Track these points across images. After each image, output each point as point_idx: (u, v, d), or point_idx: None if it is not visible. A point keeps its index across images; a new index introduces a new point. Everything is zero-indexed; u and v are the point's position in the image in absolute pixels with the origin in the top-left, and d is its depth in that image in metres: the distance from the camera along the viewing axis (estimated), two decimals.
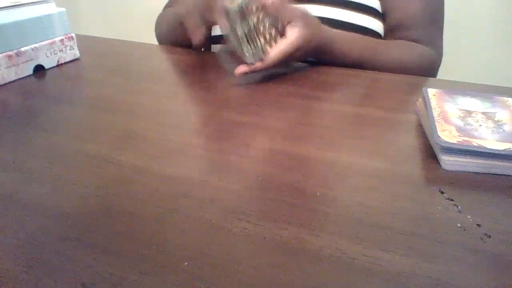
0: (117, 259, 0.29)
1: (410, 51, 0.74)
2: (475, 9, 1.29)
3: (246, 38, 0.57)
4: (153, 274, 0.28)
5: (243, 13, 0.55)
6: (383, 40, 0.75)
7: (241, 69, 0.59)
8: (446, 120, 0.44)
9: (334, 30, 0.66)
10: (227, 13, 0.55)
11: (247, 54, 0.58)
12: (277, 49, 0.59)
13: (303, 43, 0.60)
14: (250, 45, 0.57)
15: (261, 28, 0.57)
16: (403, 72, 0.67)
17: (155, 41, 0.84)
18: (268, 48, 0.58)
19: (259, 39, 0.57)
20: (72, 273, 0.28)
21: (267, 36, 0.58)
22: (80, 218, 0.33)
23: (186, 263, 0.29)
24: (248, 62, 0.59)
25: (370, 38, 0.74)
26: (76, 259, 0.29)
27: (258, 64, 0.59)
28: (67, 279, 0.27)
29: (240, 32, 0.56)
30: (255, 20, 0.56)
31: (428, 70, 0.75)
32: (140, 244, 0.30)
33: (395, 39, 0.76)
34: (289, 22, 0.59)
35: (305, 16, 0.60)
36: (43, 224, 0.32)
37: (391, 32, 0.77)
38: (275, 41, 0.59)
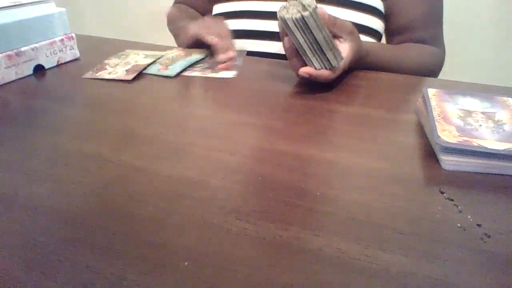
0: (117, 259, 0.29)
1: (424, 53, 0.77)
2: (475, 9, 1.28)
3: (313, 47, 0.54)
4: (153, 274, 0.28)
5: (305, 24, 0.52)
6: (401, 47, 0.77)
7: (308, 70, 0.56)
8: (446, 120, 0.44)
9: (366, 43, 0.67)
10: (285, 23, 0.53)
11: (315, 64, 0.56)
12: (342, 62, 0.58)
13: (352, 58, 0.61)
14: (318, 55, 0.55)
15: (329, 42, 0.55)
16: (420, 74, 0.69)
17: (155, 41, 0.83)
18: (335, 60, 0.56)
19: (330, 51, 0.55)
20: (72, 273, 0.28)
21: (333, 49, 0.56)
22: (80, 218, 0.33)
23: (186, 263, 0.29)
24: (317, 68, 0.56)
25: (392, 46, 0.77)
26: (76, 259, 0.29)
27: (326, 73, 0.57)
28: (67, 279, 0.27)
29: (302, 42, 0.54)
30: (323, 34, 0.53)
31: (438, 68, 0.79)
32: (140, 244, 0.30)
33: (402, 40, 0.78)
34: (339, 37, 0.59)
35: (353, 32, 0.60)
36: (43, 224, 0.32)
37: (398, 33, 0.79)
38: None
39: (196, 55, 0.69)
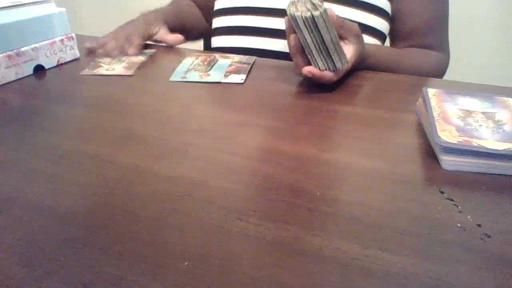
0: (117, 259, 0.29)
1: (429, 60, 0.77)
2: (475, 9, 1.28)
3: (320, 47, 0.54)
4: (153, 274, 0.28)
5: (314, 24, 0.52)
6: (405, 52, 0.77)
7: (311, 69, 0.56)
8: (446, 120, 0.44)
9: (369, 45, 0.67)
10: (294, 20, 0.53)
11: (319, 64, 0.56)
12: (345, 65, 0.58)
13: (355, 60, 0.61)
14: (323, 55, 0.55)
15: (336, 44, 0.55)
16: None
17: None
18: (339, 62, 0.56)
19: (336, 53, 0.55)
20: (72, 273, 0.28)
21: (339, 51, 0.56)
22: (80, 218, 0.33)
23: (186, 263, 0.29)
24: (320, 69, 0.56)
25: (394, 49, 0.77)
26: (76, 259, 0.29)
27: (329, 75, 0.57)
28: (67, 279, 0.27)
29: (309, 41, 0.54)
30: (331, 35, 0.53)
31: (442, 74, 0.80)
32: (140, 244, 0.30)
33: (407, 45, 0.78)
34: (344, 39, 0.59)
35: (359, 34, 0.60)
36: (43, 224, 0.32)
37: (403, 38, 0.79)
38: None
39: (222, 60, 0.69)
